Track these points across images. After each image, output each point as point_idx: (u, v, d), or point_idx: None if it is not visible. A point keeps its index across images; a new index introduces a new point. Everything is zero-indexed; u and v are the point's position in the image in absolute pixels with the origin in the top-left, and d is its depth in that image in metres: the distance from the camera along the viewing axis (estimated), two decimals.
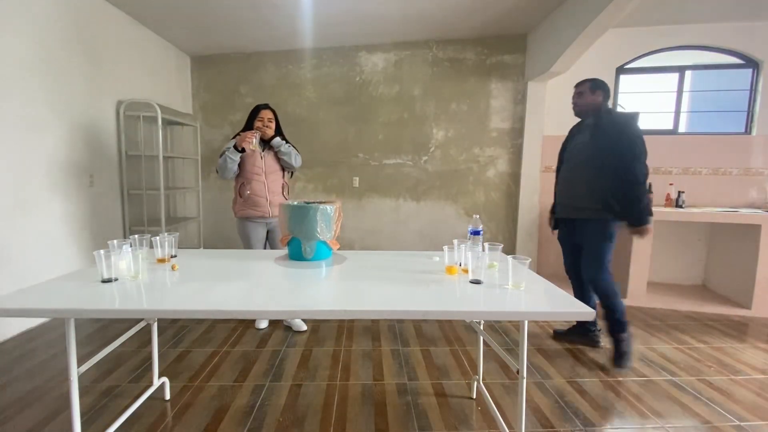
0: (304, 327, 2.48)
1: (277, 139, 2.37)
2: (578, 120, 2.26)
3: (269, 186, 2.38)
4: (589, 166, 2.07)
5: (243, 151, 2.26)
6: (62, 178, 2.66)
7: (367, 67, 3.97)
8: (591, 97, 2.12)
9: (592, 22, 2.65)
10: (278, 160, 2.43)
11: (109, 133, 3.09)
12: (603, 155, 2.01)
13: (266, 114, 2.36)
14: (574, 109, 2.21)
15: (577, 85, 2.18)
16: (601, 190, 2.02)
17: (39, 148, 2.48)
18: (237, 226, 2.45)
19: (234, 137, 2.34)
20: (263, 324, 2.50)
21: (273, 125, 2.38)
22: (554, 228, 2.39)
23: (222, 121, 4.22)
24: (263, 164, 2.37)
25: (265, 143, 2.38)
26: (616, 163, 1.96)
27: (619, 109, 3.66)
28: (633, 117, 2.06)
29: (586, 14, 2.70)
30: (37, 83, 2.45)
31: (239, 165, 2.34)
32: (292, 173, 2.55)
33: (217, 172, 2.35)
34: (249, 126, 2.38)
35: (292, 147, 2.42)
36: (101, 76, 2.98)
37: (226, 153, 2.27)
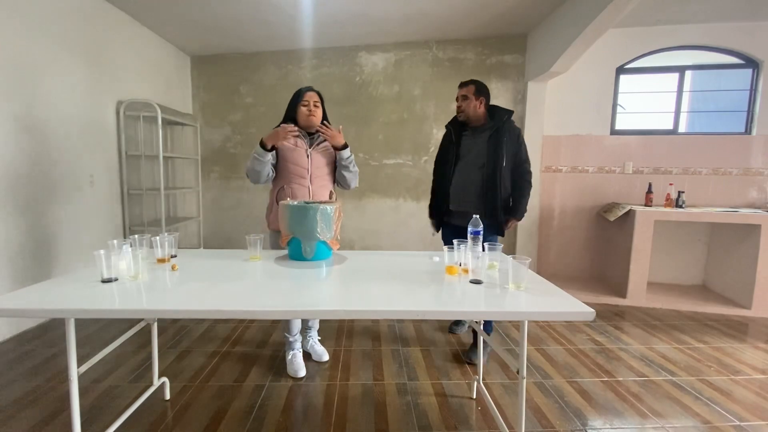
0: (326, 357, 2.11)
1: (348, 150, 1.85)
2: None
3: (314, 192, 1.84)
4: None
5: (273, 149, 1.78)
6: (62, 178, 2.66)
7: (367, 67, 3.97)
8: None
9: (592, 22, 2.65)
10: (329, 161, 1.90)
11: (109, 133, 3.09)
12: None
13: (311, 96, 1.85)
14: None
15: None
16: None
17: (39, 147, 2.48)
18: (269, 240, 1.89)
19: (277, 127, 1.80)
20: (301, 373, 1.94)
21: (320, 112, 1.86)
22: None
23: (222, 121, 4.22)
24: (309, 164, 1.83)
25: (313, 137, 1.86)
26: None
27: (619, 110, 3.67)
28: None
29: (586, 14, 2.70)
30: (37, 83, 2.45)
31: (277, 165, 1.85)
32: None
33: (247, 176, 1.86)
34: (291, 113, 1.87)
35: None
36: (101, 76, 2.98)
37: (254, 153, 1.77)
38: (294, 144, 1.83)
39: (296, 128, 1.78)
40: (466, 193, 2.14)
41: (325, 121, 1.87)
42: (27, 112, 2.39)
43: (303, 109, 1.83)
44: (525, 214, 2.16)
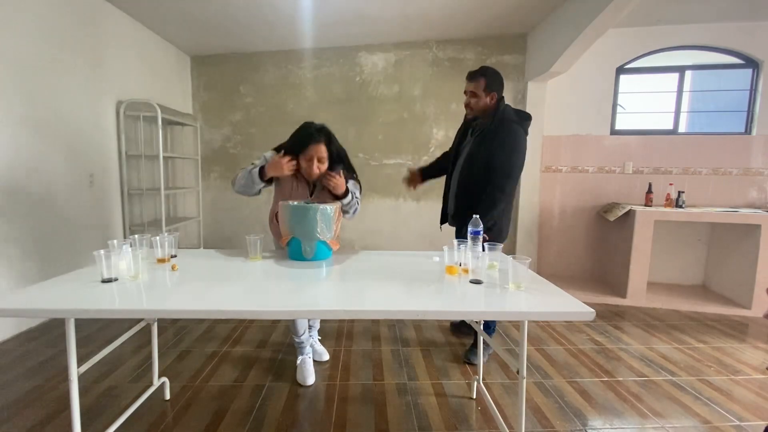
0: (326, 356, 2.12)
1: (348, 197, 1.70)
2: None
3: None
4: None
5: (270, 182, 1.71)
6: (62, 178, 2.65)
7: (367, 67, 3.97)
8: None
9: (592, 22, 2.65)
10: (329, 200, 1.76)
11: (109, 133, 3.08)
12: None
13: (317, 151, 1.63)
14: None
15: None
16: None
17: (39, 147, 2.47)
18: (274, 241, 1.87)
19: (276, 149, 1.72)
20: (310, 380, 1.88)
21: (324, 166, 1.68)
22: None
23: (222, 121, 4.21)
24: None
25: (314, 186, 1.76)
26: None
27: (619, 110, 3.67)
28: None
29: (586, 14, 2.70)
30: (37, 83, 2.44)
31: (277, 189, 1.80)
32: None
33: (232, 183, 1.75)
34: (294, 152, 1.66)
35: (357, 195, 1.79)
36: (101, 76, 2.98)
37: (252, 171, 1.66)
38: (294, 186, 1.72)
39: (294, 164, 1.65)
40: (451, 196, 2.09)
41: (331, 172, 1.67)
42: (27, 112, 2.39)
43: (305, 164, 1.66)
44: (499, 234, 1.84)
